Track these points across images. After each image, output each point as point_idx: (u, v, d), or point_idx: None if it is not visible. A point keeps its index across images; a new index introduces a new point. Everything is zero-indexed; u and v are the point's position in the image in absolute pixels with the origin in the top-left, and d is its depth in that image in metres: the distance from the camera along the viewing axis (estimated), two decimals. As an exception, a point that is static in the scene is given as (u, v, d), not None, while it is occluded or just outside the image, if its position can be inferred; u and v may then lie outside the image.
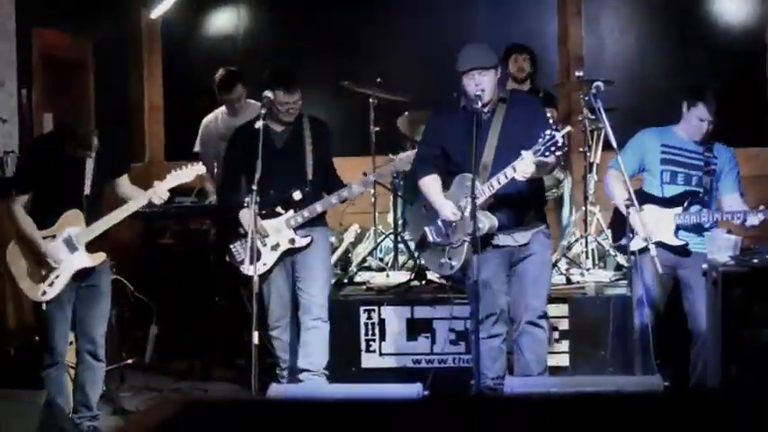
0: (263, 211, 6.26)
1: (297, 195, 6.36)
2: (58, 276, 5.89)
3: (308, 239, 6.39)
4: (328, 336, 6.48)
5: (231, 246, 6.41)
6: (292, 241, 6.37)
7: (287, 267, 6.45)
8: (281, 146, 6.41)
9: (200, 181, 7.65)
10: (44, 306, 5.89)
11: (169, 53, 9.22)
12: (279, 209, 6.35)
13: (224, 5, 9.26)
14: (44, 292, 5.88)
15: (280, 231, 6.36)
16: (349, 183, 6.40)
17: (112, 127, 7.88)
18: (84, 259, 5.95)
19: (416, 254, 6.39)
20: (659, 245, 6.06)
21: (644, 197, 6.27)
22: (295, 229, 6.36)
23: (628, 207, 6.06)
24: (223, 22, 9.26)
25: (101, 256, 6.01)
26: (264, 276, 6.35)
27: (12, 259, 5.95)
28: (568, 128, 5.49)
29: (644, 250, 5.96)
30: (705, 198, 6.24)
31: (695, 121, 6.22)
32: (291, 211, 6.35)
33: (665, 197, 6.28)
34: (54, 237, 5.92)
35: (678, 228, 6.21)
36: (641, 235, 5.99)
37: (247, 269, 6.17)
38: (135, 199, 6.02)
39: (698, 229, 6.24)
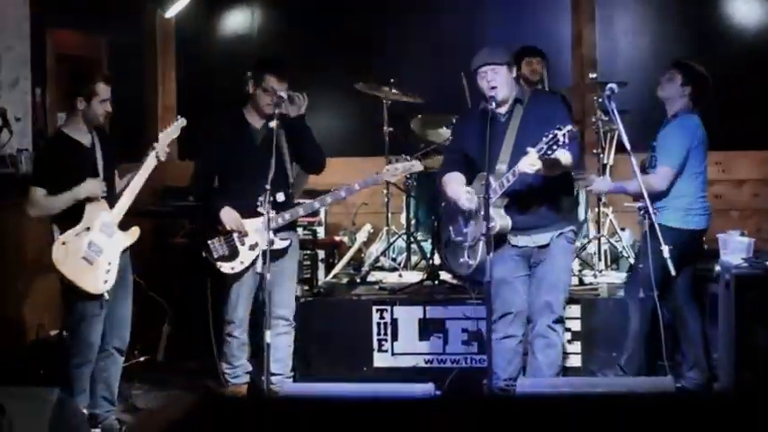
0: (243, 210, 6.18)
1: (280, 197, 6.20)
2: (110, 263, 5.85)
3: (287, 242, 6.27)
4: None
5: (209, 242, 6.27)
6: (271, 243, 6.01)
7: (255, 268, 6.21)
8: (259, 143, 6.20)
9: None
10: (106, 296, 5.85)
11: (183, 53, 9.23)
12: (260, 209, 6.03)
13: (238, 6, 9.27)
14: (105, 281, 5.83)
15: (259, 232, 6.15)
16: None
17: (125, 126, 7.91)
18: (124, 239, 5.94)
19: (443, 251, 6.38)
20: None
21: None
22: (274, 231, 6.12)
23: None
24: (237, 22, 9.28)
25: (136, 231, 5.99)
26: (238, 275, 6.29)
27: (60, 260, 5.75)
28: (569, 126, 5.31)
29: None
30: None
31: None
32: (273, 212, 6.04)
33: None
34: (89, 229, 5.80)
35: None
36: None
37: (223, 266, 6.25)
38: (144, 166, 5.96)
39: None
